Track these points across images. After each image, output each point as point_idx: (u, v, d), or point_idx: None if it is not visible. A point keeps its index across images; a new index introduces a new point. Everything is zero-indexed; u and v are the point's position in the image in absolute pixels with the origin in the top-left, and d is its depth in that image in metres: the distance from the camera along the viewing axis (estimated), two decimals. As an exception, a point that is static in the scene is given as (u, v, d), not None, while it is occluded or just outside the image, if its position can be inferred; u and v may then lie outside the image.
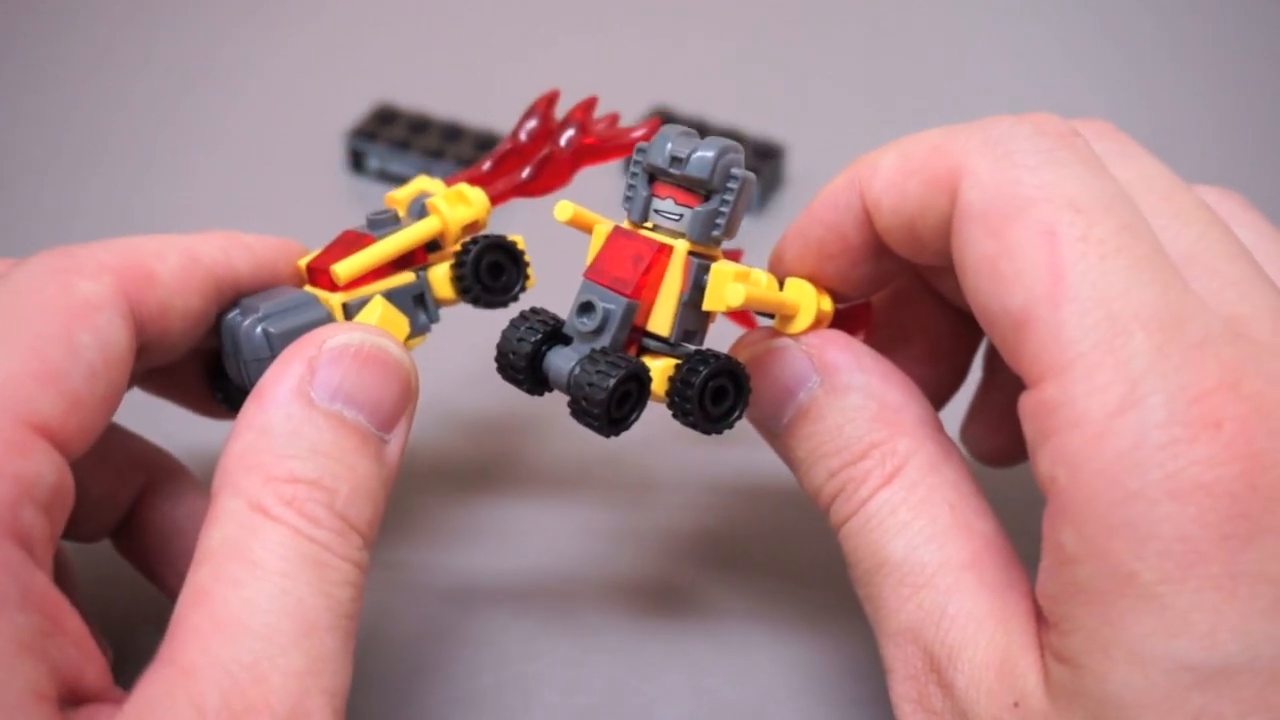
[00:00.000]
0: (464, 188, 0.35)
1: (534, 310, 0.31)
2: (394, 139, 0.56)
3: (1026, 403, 0.26)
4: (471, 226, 0.35)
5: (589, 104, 0.37)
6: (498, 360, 0.31)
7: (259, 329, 0.32)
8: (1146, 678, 0.24)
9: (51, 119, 0.60)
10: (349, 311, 0.33)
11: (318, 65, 0.64)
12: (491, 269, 0.34)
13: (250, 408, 0.28)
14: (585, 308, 0.30)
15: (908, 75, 0.65)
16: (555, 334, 0.30)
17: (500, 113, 0.51)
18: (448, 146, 0.56)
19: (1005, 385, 0.37)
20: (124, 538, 0.35)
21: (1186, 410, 0.24)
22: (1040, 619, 0.27)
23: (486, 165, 0.36)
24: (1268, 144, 0.59)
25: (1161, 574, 0.24)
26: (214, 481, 0.27)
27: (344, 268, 0.33)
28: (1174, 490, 0.24)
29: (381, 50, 0.66)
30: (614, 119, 0.37)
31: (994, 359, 0.38)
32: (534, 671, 0.36)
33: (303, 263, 0.34)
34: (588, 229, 0.31)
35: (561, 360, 0.30)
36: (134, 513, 0.35)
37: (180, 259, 0.31)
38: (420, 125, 0.57)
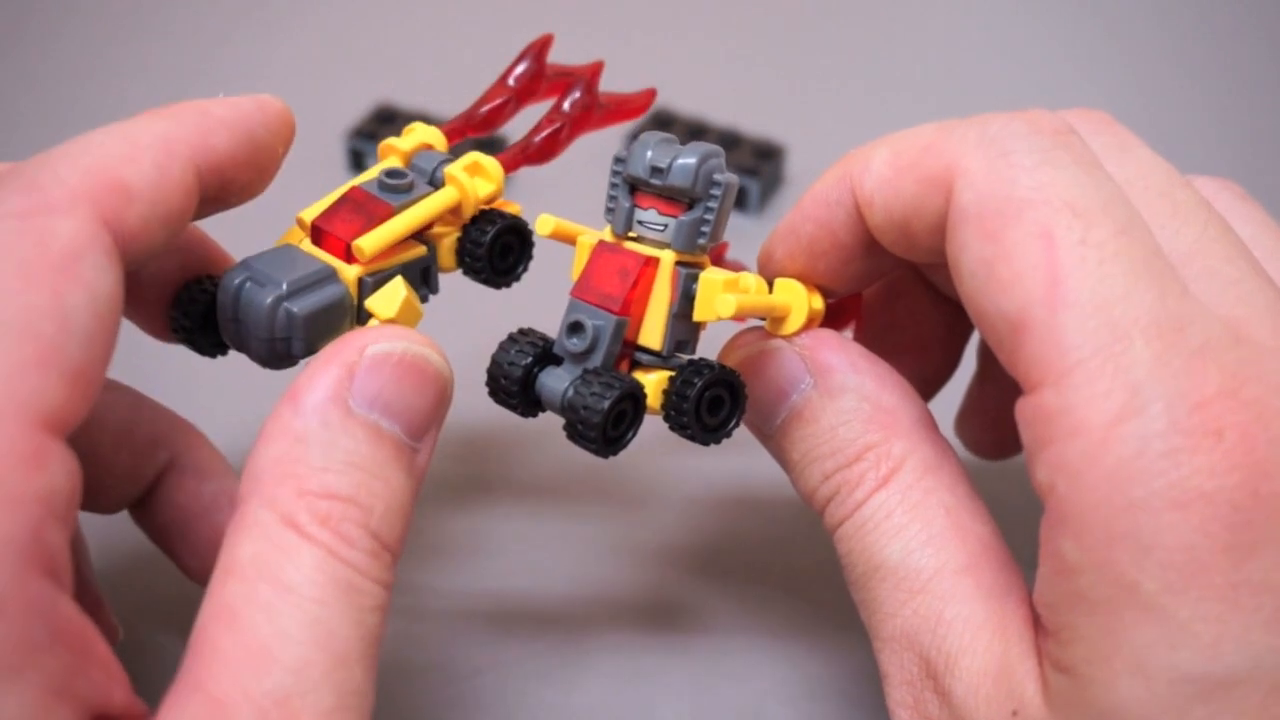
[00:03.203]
0: (480, 157, 0.33)
1: (524, 332, 0.30)
2: (393, 139, 0.56)
3: (1024, 408, 0.26)
4: (488, 199, 0.34)
5: (597, 68, 0.36)
6: (489, 385, 0.30)
7: (281, 308, 0.30)
8: (1149, 689, 0.24)
9: (51, 119, 0.60)
10: (365, 287, 0.31)
11: (318, 65, 0.64)
12: (502, 249, 0.33)
13: (285, 411, 0.27)
14: (574, 328, 0.29)
15: (907, 75, 0.64)
16: (546, 355, 0.30)
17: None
18: (447, 147, 0.55)
19: (1000, 378, 0.36)
20: (143, 511, 0.35)
21: (1188, 418, 0.24)
22: (1038, 625, 0.27)
23: (482, 111, 0.35)
24: (1266, 138, 0.59)
25: (1164, 584, 0.24)
26: (242, 485, 0.26)
27: (369, 244, 0.31)
28: (1176, 500, 0.24)
29: (381, 50, 0.66)
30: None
31: (988, 351, 0.38)
32: (534, 671, 0.36)
33: (306, 215, 0.32)
34: (571, 241, 0.30)
35: (554, 381, 0.29)
36: (156, 488, 0.34)
37: (154, 158, 0.28)
38: (419, 125, 0.56)
